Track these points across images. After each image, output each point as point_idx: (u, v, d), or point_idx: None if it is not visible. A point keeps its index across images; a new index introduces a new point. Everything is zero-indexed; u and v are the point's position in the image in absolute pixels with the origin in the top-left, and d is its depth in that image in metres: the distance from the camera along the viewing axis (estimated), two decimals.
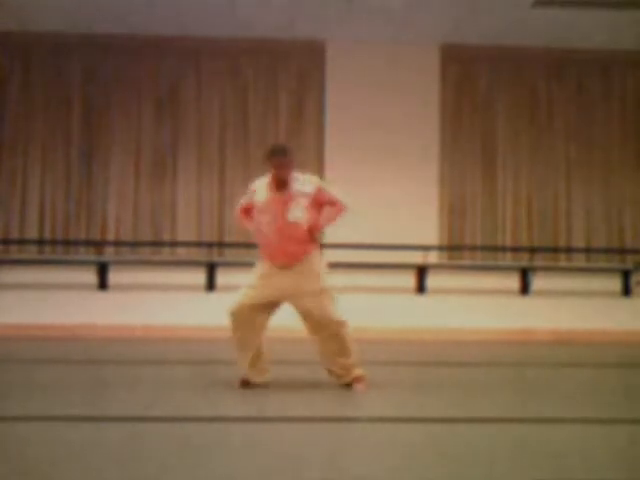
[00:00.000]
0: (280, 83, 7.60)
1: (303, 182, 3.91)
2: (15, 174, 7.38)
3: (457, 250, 7.62)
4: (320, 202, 3.92)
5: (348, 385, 3.90)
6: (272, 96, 7.60)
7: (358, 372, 3.91)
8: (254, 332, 3.88)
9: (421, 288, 7.29)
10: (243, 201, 4.17)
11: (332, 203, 3.97)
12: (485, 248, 7.58)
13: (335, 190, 4.04)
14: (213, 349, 6.07)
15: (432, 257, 7.44)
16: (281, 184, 3.87)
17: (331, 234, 7.39)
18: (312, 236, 3.88)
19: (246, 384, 3.91)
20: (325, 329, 3.84)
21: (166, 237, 7.43)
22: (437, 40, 7.55)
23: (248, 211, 4.10)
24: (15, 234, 7.31)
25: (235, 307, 3.86)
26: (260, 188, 3.99)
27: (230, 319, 3.86)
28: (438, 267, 7.35)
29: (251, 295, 3.87)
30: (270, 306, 3.91)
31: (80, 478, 2.21)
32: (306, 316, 3.89)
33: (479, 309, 7.27)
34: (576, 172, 7.73)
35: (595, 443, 2.78)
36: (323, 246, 4.15)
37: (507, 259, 7.66)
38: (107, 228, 7.38)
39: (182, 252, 7.43)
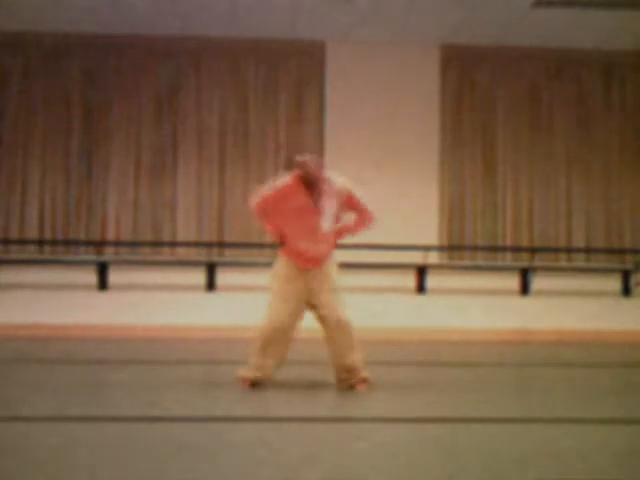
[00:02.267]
0: (280, 83, 7.60)
1: (334, 184, 3.92)
2: (15, 174, 7.39)
3: (457, 250, 7.63)
4: (349, 206, 4.01)
5: (352, 387, 3.90)
6: (272, 96, 7.60)
7: (363, 374, 3.91)
8: (287, 345, 3.94)
9: (421, 288, 7.30)
10: (268, 192, 3.96)
11: (361, 211, 4.04)
12: (485, 248, 7.58)
13: (364, 196, 4.07)
14: (213, 349, 6.08)
15: (432, 257, 7.44)
16: (311, 185, 3.85)
17: None
18: (336, 240, 4.01)
19: (255, 385, 3.91)
20: (336, 325, 3.87)
21: (166, 237, 7.44)
22: (437, 40, 7.56)
23: (269, 204, 3.98)
24: (15, 234, 7.31)
25: (274, 327, 3.86)
26: (292, 190, 3.88)
27: (266, 335, 3.87)
28: (438, 267, 7.36)
29: (286, 312, 3.88)
30: (302, 312, 3.97)
31: (80, 478, 2.21)
32: (321, 309, 3.90)
33: (479, 309, 7.27)
34: (576, 172, 7.74)
35: (595, 443, 2.78)
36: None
37: (507, 259, 7.67)
38: (107, 228, 7.39)
39: (182, 252, 7.44)
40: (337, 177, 3.99)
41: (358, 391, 3.84)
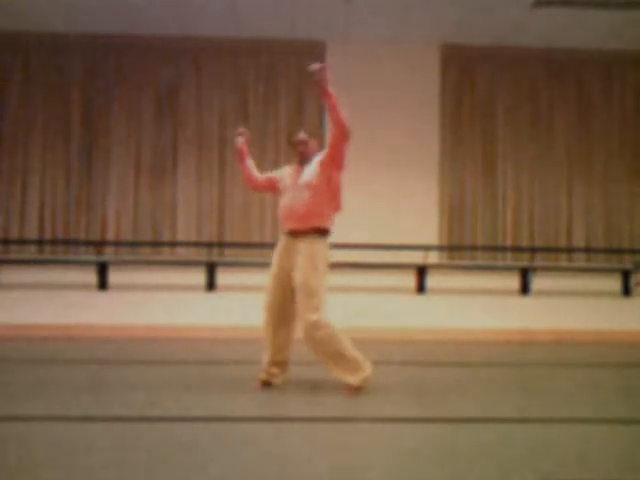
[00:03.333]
0: (280, 83, 7.61)
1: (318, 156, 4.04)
2: (15, 174, 7.40)
3: (457, 250, 7.63)
4: (330, 158, 3.89)
5: (357, 389, 3.80)
6: (272, 96, 7.61)
7: (350, 382, 3.78)
8: (276, 334, 3.93)
9: (421, 288, 7.30)
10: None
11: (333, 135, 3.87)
12: (485, 248, 7.58)
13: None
14: (213, 349, 6.08)
15: (432, 257, 7.44)
16: (302, 160, 4.05)
17: (332, 234, 7.40)
18: (320, 81, 3.71)
19: (266, 385, 3.91)
20: (306, 333, 3.76)
21: (166, 237, 7.44)
22: (437, 40, 7.56)
23: (258, 180, 4.31)
24: (15, 234, 7.32)
25: (265, 303, 3.97)
26: (284, 171, 4.20)
27: (263, 315, 3.96)
28: (438, 267, 7.36)
29: (270, 285, 3.97)
30: (289, 290, 3.89)
31: (80, 478, 2.21)
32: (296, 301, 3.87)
33: (479, 309, 7.27)
34: (576, 172, 7.74)
35: (595, 443, 2.78)
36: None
37: (507, 259, 7.67)
38: (107, 228, 7.39)
39: (182, 252, 7.44)
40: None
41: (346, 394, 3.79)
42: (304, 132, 4.13)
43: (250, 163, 4.35)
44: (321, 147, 4.21)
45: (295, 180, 4.02)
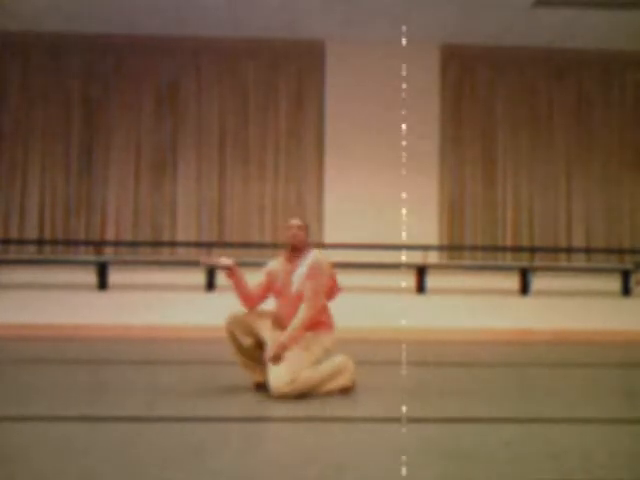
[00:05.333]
0: (280, 83, 7.61)
1: (310, 257, 3.82)
2: (15, 174, 7.40)
3: (457, 250, 7.63)
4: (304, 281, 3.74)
5: (344, 390, 3.80)
6: (272, 96, 7.61)
7: (339, 385, 3.77)
8: (245, 337, 3.84)
9: (421, 288, 7.30)
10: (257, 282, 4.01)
11: (305, 298, 3.69)
12: (485, 248, 7.58)
13: (327, 279, 3.77)
14: (213, 349, 6.07)
15: (432, 257, 7.44)
16: (292, 247, 3.85)
17: (332, 234, 7.40)
18: (277, 354, 3.57)
19: (259, 386, 3.89)
20: (271, 390, 3.64)
21: (166, 237, 7.44)
22: (437, 40, 7.56)
23: (251, 296, 3.96)
24: (15, 234, 7.32)
25: (230, 315, 3.84)
26: (275, 264, 3.97)
27: (225, 326, 3.84)
28: (438, 267, 7.36)
29: (247, 314, 3.87)
30: (252, 333, 3.81)
31: (79, 479, 2.21)
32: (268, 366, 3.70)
33: (479, 309, 7.27)
34: (576, 172, 7.74)
35: (595, 443, 2.78)
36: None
37: (507, 259, 7.67)
38: (107, 228, 7.40)
39: (182, 252, 7.44)
40: (316, 254, 3.85)
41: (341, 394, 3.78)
42: (299, 219, 3.87)
43: (245, 284, 3.99)
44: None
45: (287, 278, 3.80)
